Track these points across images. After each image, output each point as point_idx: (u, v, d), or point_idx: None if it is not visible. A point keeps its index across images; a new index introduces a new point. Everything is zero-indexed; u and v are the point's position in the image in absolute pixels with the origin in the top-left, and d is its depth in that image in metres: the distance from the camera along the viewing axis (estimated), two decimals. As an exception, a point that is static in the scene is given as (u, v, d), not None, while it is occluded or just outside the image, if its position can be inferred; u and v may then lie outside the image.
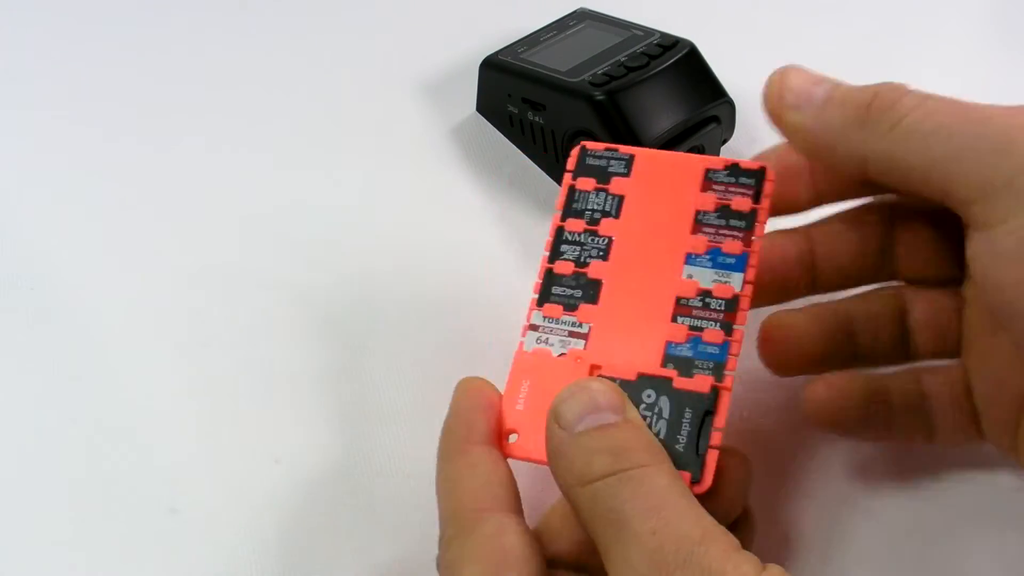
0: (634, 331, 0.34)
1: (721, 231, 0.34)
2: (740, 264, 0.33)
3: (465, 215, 0.48)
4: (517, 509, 0.31)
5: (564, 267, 0.35)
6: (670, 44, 0.48)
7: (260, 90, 0.54)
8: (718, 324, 0.33)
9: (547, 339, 0.34)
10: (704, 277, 0.34)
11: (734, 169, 0.35)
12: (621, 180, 0.36)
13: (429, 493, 0.39)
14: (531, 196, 0.49)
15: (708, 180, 0.35)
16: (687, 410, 0.32)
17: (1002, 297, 0.29)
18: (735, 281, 0.33)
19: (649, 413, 0.32)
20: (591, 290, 0.35)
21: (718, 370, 0.32)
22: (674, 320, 0.33)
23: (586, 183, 0.36)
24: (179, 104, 0.54)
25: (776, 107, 0.33)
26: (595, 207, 0.36)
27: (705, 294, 0.33)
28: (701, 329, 0.33)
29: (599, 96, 0.45)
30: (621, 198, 0.36)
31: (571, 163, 0.37)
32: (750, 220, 0.34)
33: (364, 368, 0.42)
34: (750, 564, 0.26)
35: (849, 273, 0.35)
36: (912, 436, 0.35)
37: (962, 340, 0.34)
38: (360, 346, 0.42)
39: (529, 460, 0.33)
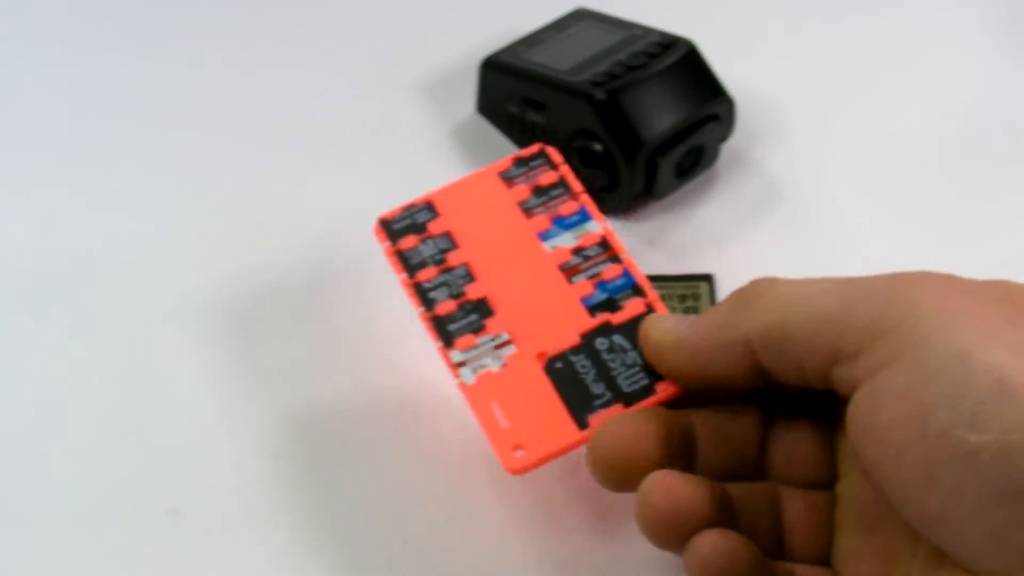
0: (547, 312, 0.35)
1: (549, 204, 0.38)
2: (584, 215, 0.37)
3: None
4: None
5: (445, 306, 0.36)
6: (670, 43, 0.48)
7: (259, 90, 0.54)
8: (608, 262, 0.36)
9: (480, 365, 0.34)
10: (565, 240, 0.37)
11: (519, 161, 0.39)
12: (434, 222, 0.38)
13: (431, 489, 0.39)
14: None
15: (507, 179, 0.39)
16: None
17: (889, 438, 0.28)
18: (592, 228, 0.37)
19: (613, 354, 0.34)
20: (483, 307, 0.36)
21: (638, 291, 0.35)
22: (571, 281, 0.36)
23: (407, 241, 0.38)
24: (176, 105, 0.54)
25: (655, 350, 0.33)
26: (431, 252, 0.37)
27: (577, 250, 0.36)
28: (598, 273, 0.36)
29: (600, 95, 0.45)
30: (447, 232, 0.38)
31: (381, 237, 0.38)
32: (563, 184, 0.38)
33: (360, 363, 0.42)
34: None
35: (728, 462, 0.33)
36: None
37: (833, 541, 0.33)
38: (358, 342, 0.42)
39: (547, 459, 0.33)
